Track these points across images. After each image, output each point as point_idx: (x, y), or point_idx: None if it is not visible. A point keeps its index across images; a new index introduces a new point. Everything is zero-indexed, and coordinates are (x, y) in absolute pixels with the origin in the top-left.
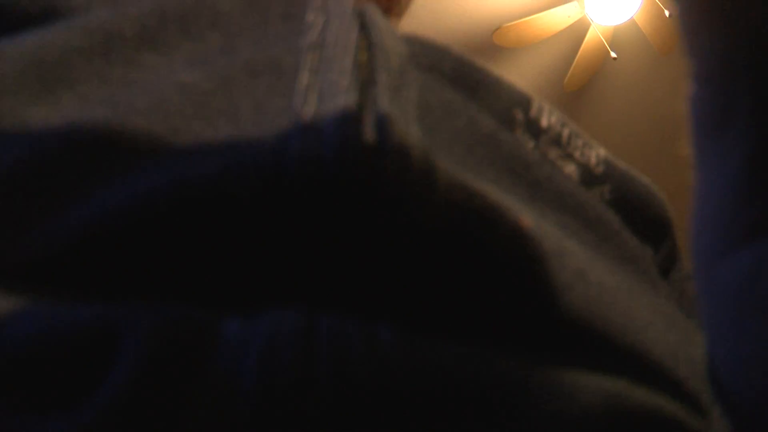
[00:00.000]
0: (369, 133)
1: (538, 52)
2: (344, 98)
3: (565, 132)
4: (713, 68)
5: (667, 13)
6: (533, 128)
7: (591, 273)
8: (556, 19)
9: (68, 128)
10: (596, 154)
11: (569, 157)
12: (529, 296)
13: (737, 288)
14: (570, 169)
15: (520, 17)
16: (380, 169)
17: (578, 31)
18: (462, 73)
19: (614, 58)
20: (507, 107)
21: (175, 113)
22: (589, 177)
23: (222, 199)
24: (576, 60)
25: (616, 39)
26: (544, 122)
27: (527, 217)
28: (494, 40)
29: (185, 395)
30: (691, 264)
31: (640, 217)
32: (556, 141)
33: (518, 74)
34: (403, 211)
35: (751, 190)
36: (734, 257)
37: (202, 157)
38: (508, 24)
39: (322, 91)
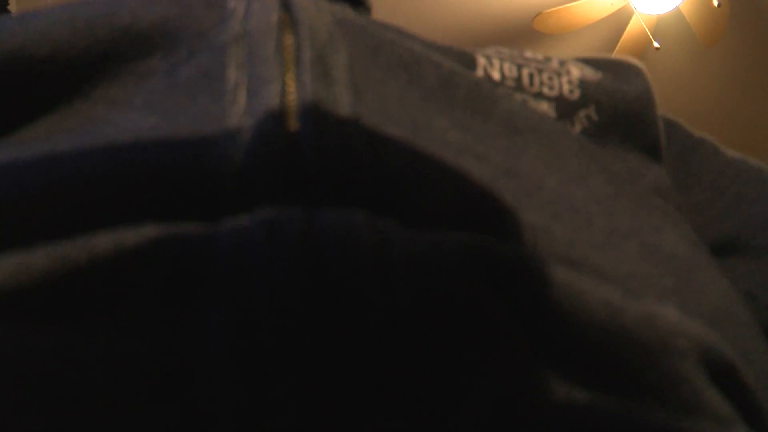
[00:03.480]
0: (293, 125)
1: (578, 39)
2: (267, 91)
3: (524, 73)
4: None
5: (715, 2)
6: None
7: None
8: (599, 6)
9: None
10: (567, 80)
11: (538, 96)
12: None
13: None
14: (543, 107)
15: (562, 3)
16: (318, 152)
17: (621, 19)
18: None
19: (657, 48)
20: (459, 60)
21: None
22: (566, 107)
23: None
24: (617, 49)
25: (659, 28)
26: (495, 76)
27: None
28: (534, 26)
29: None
30: None
31: (634, 129)
32: (517, 87)
33: None
34: (350, 183)
35: None
36: None
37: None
38: (549, 10)
39: (249, 87)
